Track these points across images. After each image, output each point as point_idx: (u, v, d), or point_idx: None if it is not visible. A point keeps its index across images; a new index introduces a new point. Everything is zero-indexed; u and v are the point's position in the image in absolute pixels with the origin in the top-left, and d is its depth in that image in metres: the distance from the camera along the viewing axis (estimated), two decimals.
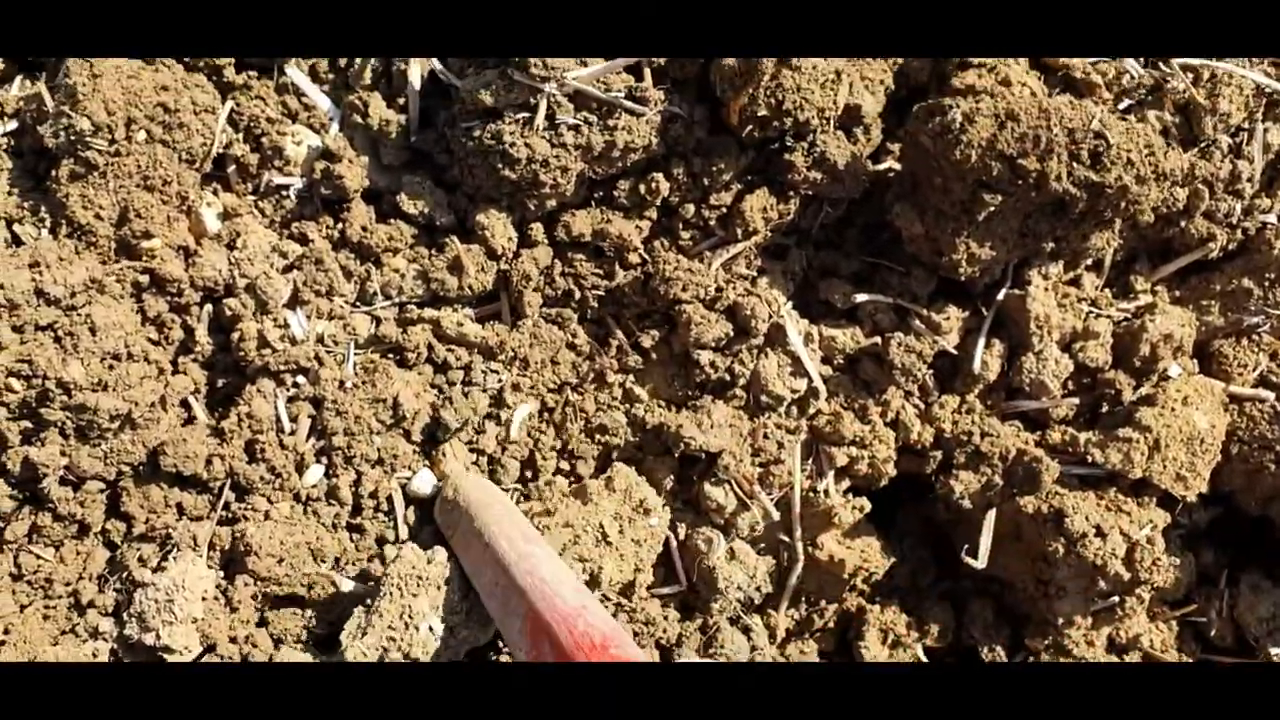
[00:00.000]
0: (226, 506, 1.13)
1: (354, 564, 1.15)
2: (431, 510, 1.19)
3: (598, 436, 1.23)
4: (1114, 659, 1.25)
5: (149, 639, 1.06)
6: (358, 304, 1.20)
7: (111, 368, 1.09)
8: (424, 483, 1.19)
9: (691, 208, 1.21)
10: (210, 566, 1.11)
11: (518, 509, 1.13)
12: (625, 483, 1.18)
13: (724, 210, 1.22)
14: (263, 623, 1.12)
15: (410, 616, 1.03)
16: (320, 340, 1.17)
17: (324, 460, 1.16)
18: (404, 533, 1.17)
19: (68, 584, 1.11)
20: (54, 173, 1.15)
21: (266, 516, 1.13)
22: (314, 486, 1.16)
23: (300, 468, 1.15)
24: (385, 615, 1.03)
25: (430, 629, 1.04)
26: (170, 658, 1.07)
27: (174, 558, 1.10)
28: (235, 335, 1.15)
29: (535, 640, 0.93)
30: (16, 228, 1.16)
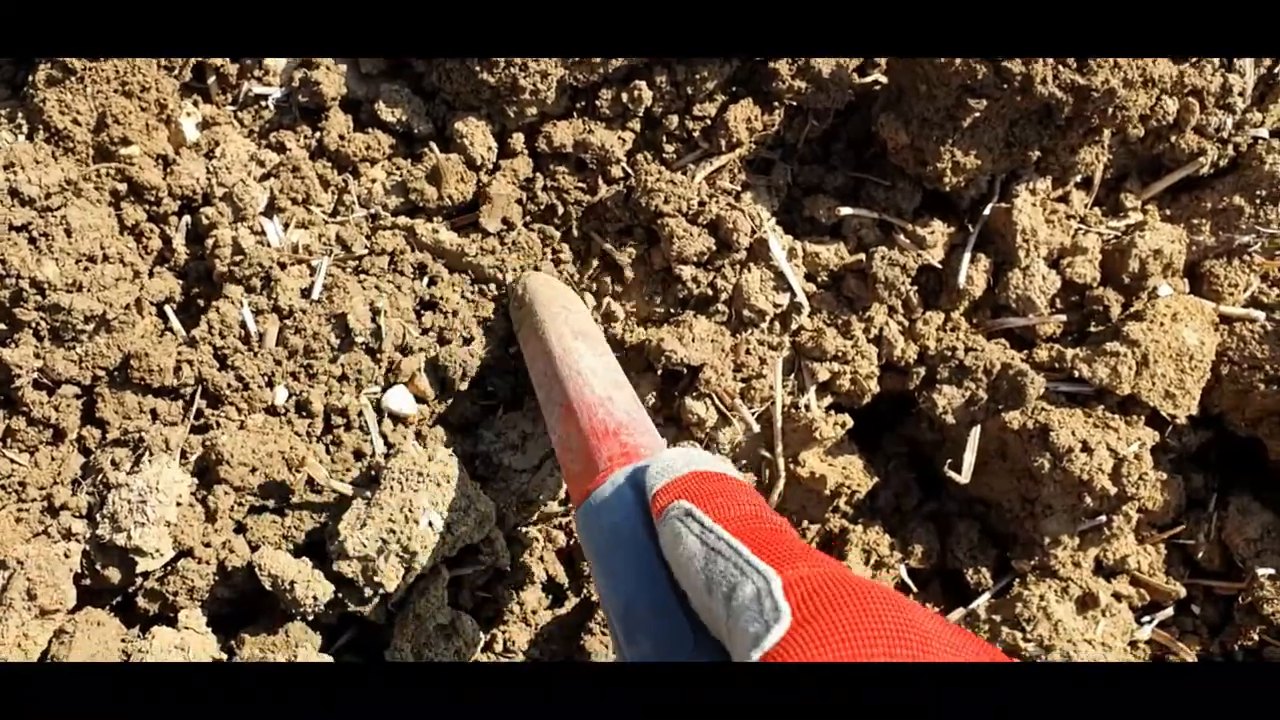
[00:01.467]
0: (200, 414, 1.12)
1: (332, 474, 1.14)
2: (406, 423, 1.18)
3: None
4: (1102, 581, 1.24)
5: (120, 539, 1.05)
6: (335, 213, 1.19)
7: (86, 269, 1.08)
8: (398, 400, 1.18)
9: (675, 119, 1.20)
10: (185, 472, 1.10)
11: (582, 307, 1.17)
12: None
13: (708, 122, 1.20)
14: (240, 529, 1.11)
15: (410, 510, 1.03)
16: (295, 249, 1.16)
17: (293, 365, 1.14)
18: (380, 445, 1.16)
19: (41, 488, 1.10)
20: (30, 78, 1.14)
21: (241, 426, 1.12)
22: (288, 399, 1.15)
23: (271, 380, 1.14)
24: (385, 508, 1.02)
25: (430, 524, 1.04)
26: (141, 560, 1.07)
27: (148, 460, 1.09)
28: (210, 242, 1.14)
29: (565, 424, 1.00)
30: None
